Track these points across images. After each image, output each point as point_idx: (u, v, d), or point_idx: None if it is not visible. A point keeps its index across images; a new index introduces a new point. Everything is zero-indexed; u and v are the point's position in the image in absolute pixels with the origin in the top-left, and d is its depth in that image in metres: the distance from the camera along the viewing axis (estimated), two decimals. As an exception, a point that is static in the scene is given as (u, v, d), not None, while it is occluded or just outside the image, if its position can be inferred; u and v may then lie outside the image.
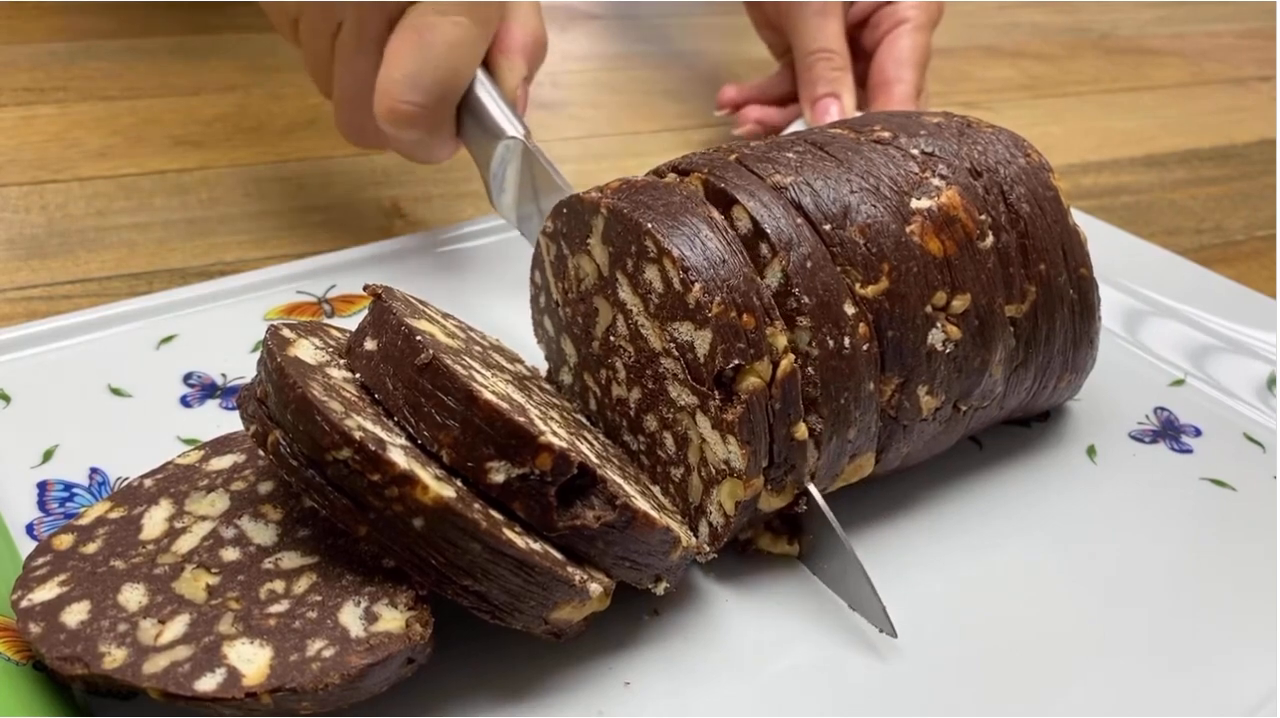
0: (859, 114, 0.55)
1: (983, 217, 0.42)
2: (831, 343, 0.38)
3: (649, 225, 0.38)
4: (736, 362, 0.37)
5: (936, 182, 0.42)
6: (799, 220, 0.40)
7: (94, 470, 0.43)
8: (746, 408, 0.37)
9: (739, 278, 0.38)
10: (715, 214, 0.39)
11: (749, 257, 0.39)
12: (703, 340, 0.37)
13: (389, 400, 0.35)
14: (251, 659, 0.31)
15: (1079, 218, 0.48)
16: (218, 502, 0.37)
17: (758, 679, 0.37)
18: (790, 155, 0.42)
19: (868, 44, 0.76)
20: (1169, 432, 0.50)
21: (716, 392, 0.37)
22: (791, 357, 0.38)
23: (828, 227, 0.40)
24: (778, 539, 0.42)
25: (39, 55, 0.88)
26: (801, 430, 0.38)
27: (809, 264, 0.39)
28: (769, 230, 0.39)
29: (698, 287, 0.37)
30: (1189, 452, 0.49)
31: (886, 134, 0.44)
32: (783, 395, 0.37)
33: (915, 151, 0.43)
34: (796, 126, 0.74)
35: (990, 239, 0.42)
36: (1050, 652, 0.38)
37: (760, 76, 0.82)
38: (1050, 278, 0.43)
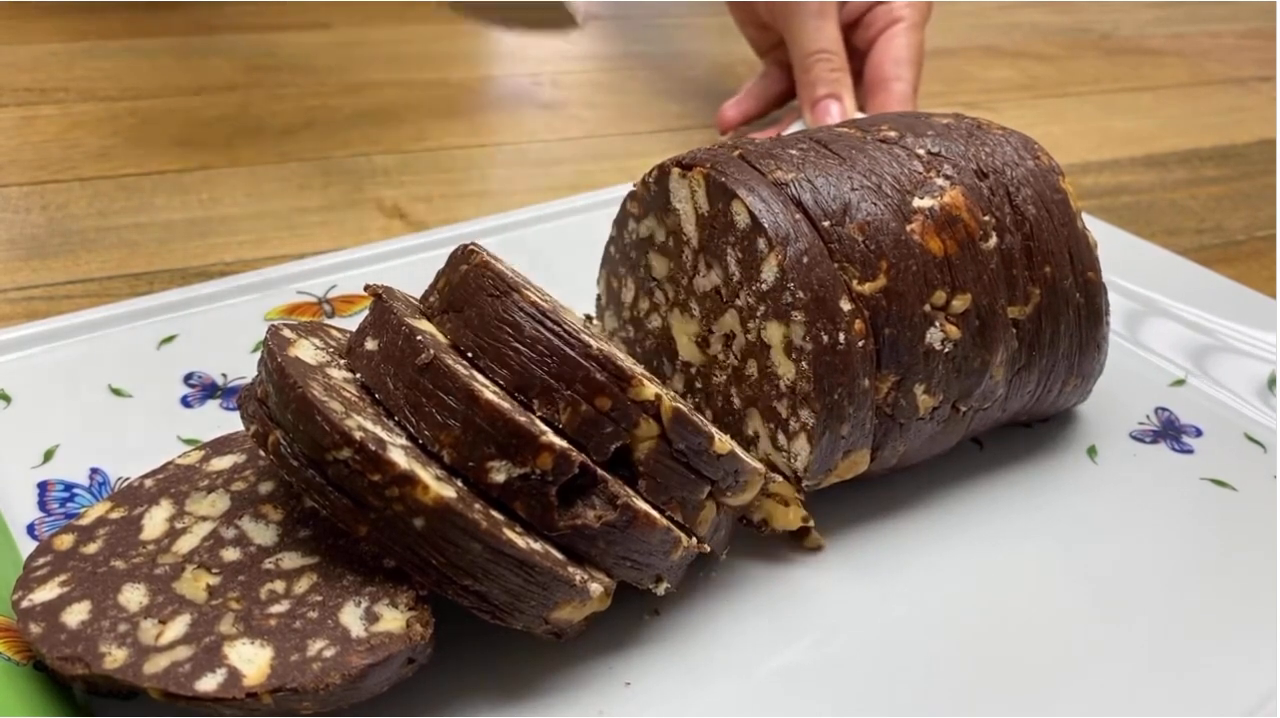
0: (862, 115, 0.55)
1: (986, 217, 0.42)
2: (825, 338, 0.38)
3: None
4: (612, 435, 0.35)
5: (940, 181, 0.42)
6: (798, 216, 0.40)
7: (94, 471, 0.43)
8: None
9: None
10: None
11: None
12: None
13: (390, 400, 0.35)
14: (252, 659, 0.31)
15: (1085, 220, 0.48)
16: (218, 502, 0.37)
17: (758, 679, 0.37)
18: (793, 152, 0.43)
19: (860, 43, 0.76)
20: (1170, 432, 0.50)
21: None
22: (669, 403, 0.36)
23: (826, 223, 0.40)
24: (788, 512, 0.41)
25: (39, 55, 0.88)
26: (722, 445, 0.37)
27: (805, 260, 0.39)
28: (766, 225, 0.39)
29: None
30: (1190, 452, 0.49)
31: (893, 134, 0.44)
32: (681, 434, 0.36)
33: (921, 151, 0.43)
34: (797, 127, 0.74)
35: (994, 240, 0.42)
36: (1051, 652, 0.38)
37: (750, 79, 0.82)
38: (1055, 281, 0.43)
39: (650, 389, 0.35)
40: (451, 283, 0.39)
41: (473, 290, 0.37)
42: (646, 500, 0.36)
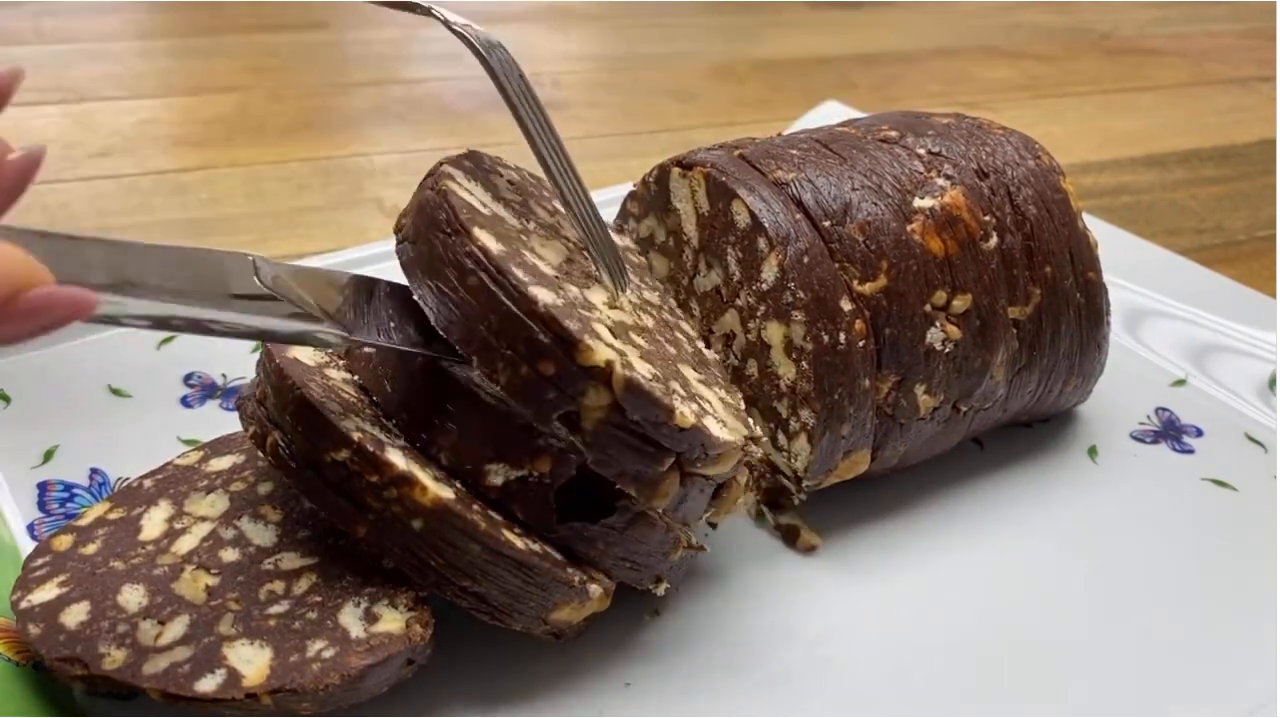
0: (867, 115, 0.56)
1: (987, 217, 0.42)
2: (826, 338, 0.38)
3: None
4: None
5: (941, 181, 0.42)
6: (798, 216, 0.40)
7: (94, 471, 0.43)
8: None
9: None
10: None
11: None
12: None
13: (388, 402, 0.35)
14: (251, 660, 0.31)
15: (1085, 220, 0.48)
16: (217, 503, 0.37)
17: (758, 679, 0.37)
18: (794, 152, 0.43)
19: None
20: (1170, 432, 0.50)
21: None
22: (620, 371, 0.32)
23: (827, 223, 0.40)
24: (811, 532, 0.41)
25: (40, 55, 0.88)
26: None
27: (806, 259, 0.39)
28: (766, 225, 0.39)
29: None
30: (1190, 452, 0.49)
31: (894, 133, 0.44)
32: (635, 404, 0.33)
33: (921, 151, 0.43)
34: (801, 124, 0.74)
35: (994, 240, 0.42)
36: (1051, 652, 0.38)
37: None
38: (1056, 281, 0.43)
39: (600, 355, 0.32)
40: (416, 206, 0.35)
41: (428, 222, 0.34)
42: (595, 470, 0.33)
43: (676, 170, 0.43)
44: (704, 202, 0.42)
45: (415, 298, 0.34)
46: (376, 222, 0.67)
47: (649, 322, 0.38)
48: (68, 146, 0.73)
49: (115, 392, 0.48)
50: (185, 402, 0.47)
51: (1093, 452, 0.48)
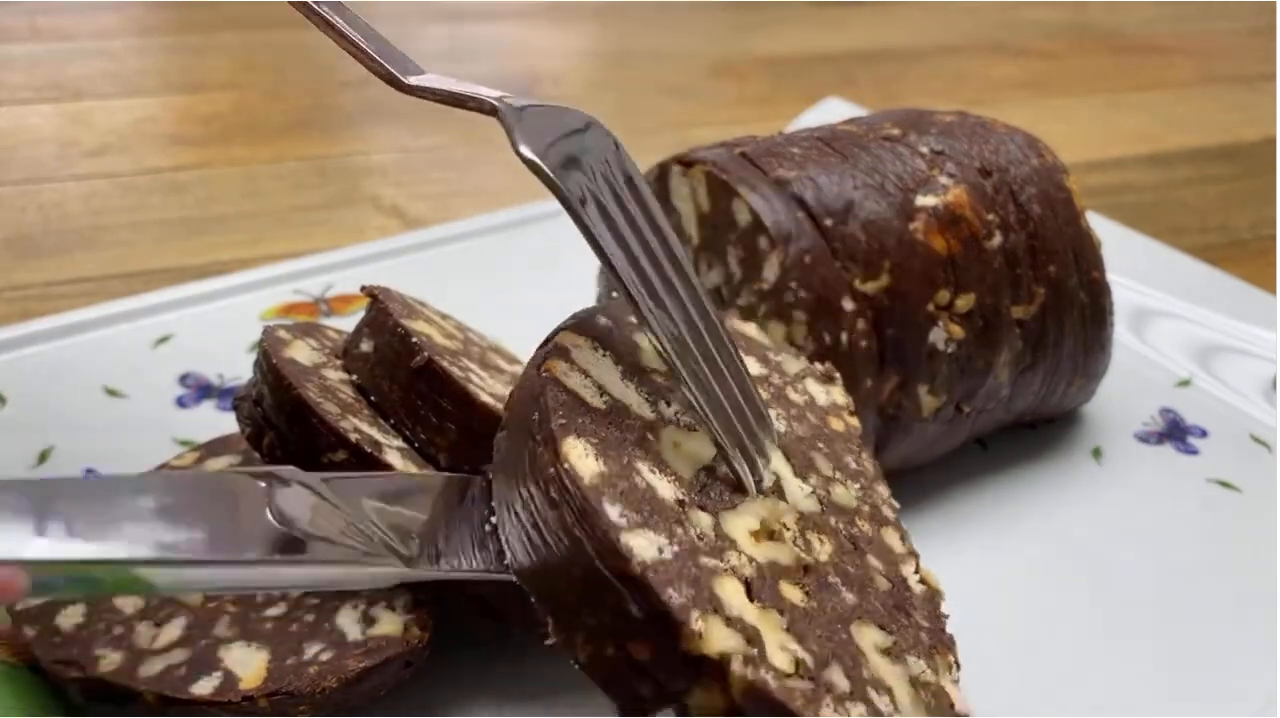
0: (870, 113, 0.55)
1: (990, 216, 0.42)
2: (827, 338, 0.38)
3: None
4: None
5: (944, 179, 0.42)
6: (800, 215, 0.39)
7: (89, 472, 0.43)
8: None
9: None
10: None
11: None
12: None
13: (386, 403, 0.35)
14: (248, 663, 0.31)
15: (1090, 219, 0.48)
16: (213, 504, 0.37)
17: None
18: (795, 150, 0.42)
19: None
20: (1175, 433, 0.49)
21: None
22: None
23: (829, 222, 0.39)
24: None
25: (36, 54, 0.88)
26: None
27: (807, 258, 0.38)
28: (767, 223, 0.39)
29: None
30: (1195, 453, 0.48)
31: (896, 131, 0.44)
32: None
33: (924, 149, 0.43)
34: (802, 122, 0.74)
35: (998, 239, 0.42)
36: (1054, 653, 0.38)
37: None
38: (1060, 280, 0.43)
39: (715, 643, 0.23)
40: (519, 385, 0.29)
41: (519, 418, 0.27)
42: None
43: (677, 168, 0.42)
44: (705, 200, 0.41)
45: (490, 525, 0.27)
46: (374, 220, 0.66)
47: (825, 547, 0.29)
48: (63, 145, 0.73)
49: (111, 392, 0.47)
50: (181, 402, 0.47)
51: (1097, 453, 0.48)
